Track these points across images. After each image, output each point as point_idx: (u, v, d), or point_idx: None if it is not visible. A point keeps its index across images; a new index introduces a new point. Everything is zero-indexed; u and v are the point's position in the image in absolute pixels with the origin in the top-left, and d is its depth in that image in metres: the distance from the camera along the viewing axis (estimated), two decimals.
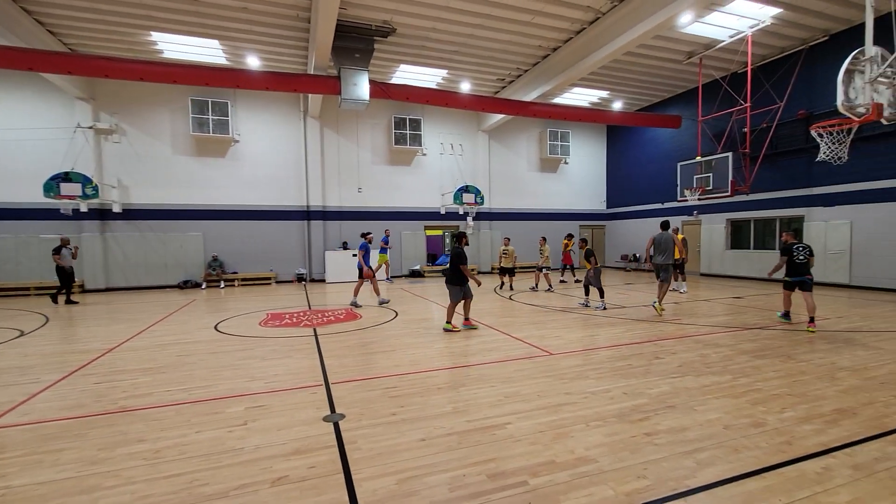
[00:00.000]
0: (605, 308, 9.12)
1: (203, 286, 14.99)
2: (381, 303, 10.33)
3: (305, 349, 6.24)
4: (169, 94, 14.88)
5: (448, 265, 7.39)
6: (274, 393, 4.44)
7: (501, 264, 12.63)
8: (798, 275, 7.32)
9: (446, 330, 7.22)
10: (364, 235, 10.63)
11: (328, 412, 3.91)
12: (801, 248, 7.37)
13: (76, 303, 11.66)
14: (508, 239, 13.16)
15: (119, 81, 14.02)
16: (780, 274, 7.60)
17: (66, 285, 11.43)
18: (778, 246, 13.95)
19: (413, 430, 3.51)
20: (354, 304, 10.09)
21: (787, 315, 7.73)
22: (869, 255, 11.75)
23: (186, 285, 15.06)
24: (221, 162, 15.69)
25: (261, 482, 2.79)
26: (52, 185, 12.55)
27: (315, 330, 7.58)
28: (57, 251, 11.19)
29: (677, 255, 11.47)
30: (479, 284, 7.52)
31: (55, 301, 11.44)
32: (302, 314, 9.30)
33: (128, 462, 3.07)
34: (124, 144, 14.62)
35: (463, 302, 7.35)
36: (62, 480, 2.85)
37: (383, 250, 14.78)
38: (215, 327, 8.00)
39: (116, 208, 14.33)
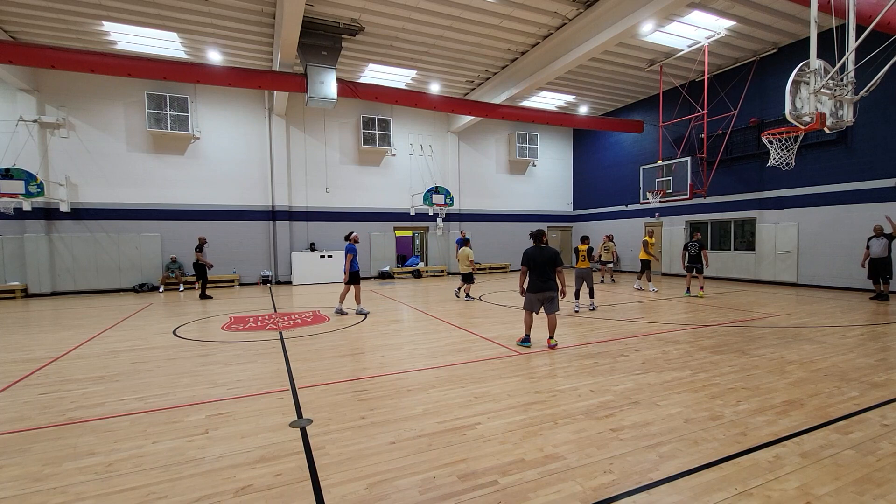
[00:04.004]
0: (593, 308, 9.15)
1: (161, 289, 14.32)
2: (358, 312, 9.33)
3: (271, 353, 6.06)
4: (123, 88, 14.14)
5: (540, 269, 5.98)
6: (237, 399, 4.29)
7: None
8: (692, 262, 11.14)
9: (554, 346, 6.09)
10: (348, 237, 9.53)
11: (295, 417, 3.81)
12: (693, 244, 11.10)
13: (211, 297, 12.44)
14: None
15: (67, 73, 13.23)
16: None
17: (204, 280, 12.40)
18: (732, 247, 15.05)
19: (383, 433, 3.46)
20: (340, 312, 9.21)
21: (688, 290, 11.40)
22: (814, 255, 12.55)
23: (142, 289, 14.35)
24: (181, 160, 15.04)
25: (224, 492, 2.68)
26: None
27: (281, 333, 7.38)
28: (199, 249, 12.18)
29: (645, 257, 12.08)
30: (564, 296, 6.30)
31: (206, 296, 12.31)
32: (267, 317, 9.03)
33: (77, 477, 2.89)
34: (73, 140, 13.77)
35: (548, 317, 6.19)
36: (2, 500, 2.65)
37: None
38: (174, 332, 7.65)
39: (64, 207, 13.48)
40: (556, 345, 6.14)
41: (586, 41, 11.14)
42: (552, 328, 6.16)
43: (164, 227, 14.85)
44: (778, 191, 13.37)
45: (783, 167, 9.94)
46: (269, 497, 2.63)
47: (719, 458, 2.99)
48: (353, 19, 11.37)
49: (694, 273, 11.28)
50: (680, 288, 12.58)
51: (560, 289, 6.09)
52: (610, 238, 15.09)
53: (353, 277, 9.33)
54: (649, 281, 12.34)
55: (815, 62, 7.07)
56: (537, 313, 6.24)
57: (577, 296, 9.16)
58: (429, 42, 12.66)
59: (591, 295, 9.30)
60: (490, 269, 19.51)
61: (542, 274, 5.99)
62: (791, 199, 13.05)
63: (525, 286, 6.13)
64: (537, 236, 6.16)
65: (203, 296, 12.31)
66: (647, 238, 12.36)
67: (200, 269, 12.32)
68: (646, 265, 12.23)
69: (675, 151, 15.34)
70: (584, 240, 9.37)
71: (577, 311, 8.91)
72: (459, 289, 11.49)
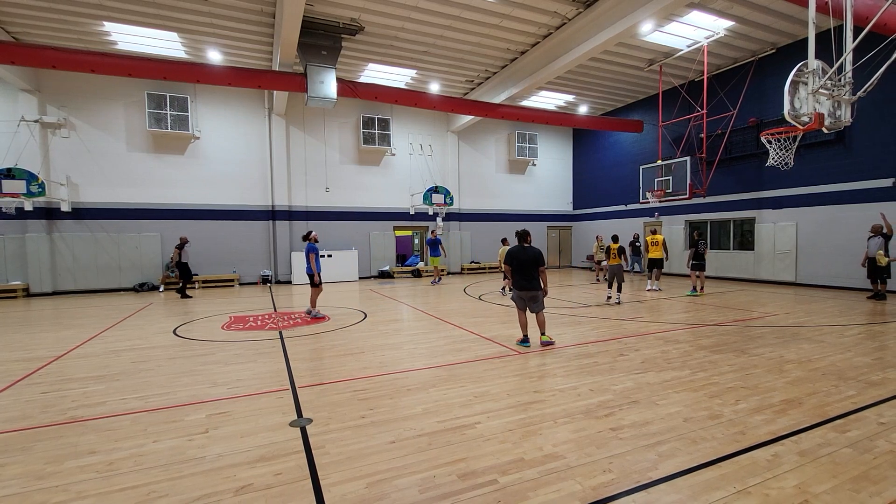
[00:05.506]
0: (618, 302, 9.96)
1: (161, 289, 14.33)
2: (311, 313, 8.89)
3: (271, 352, 6.08)
4: (123, 88, 14.15)
5: (523, 268, 6.04)
6: (237, 398, 4.30)
7: None
8: (699, 260, 11.37)
9: (546, 343, 6.10)
10: (307, 237, 9.03)
11: (295, 417, 3.82)
12: (702, 244, 11.46)
13: (191, 297, 12.52)
14: None
15: (68, 73, 13.24)
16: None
17: (187, 279, 12.60)
18: (732, 246, 15.05)
19: (383, 432, 3.48)
20: (312, 314, 8.83)
21: (694, 289, 11.45)
22: (812, 255, 12.57)
23: (143, 288, 14.36)
24: (181, 159, 15.05)
25: (224, 491, 2.69)
26: None
27: (281, 333, 7.40)
28: (181, 247, 12.39)
29: (659, 255, 11.90)
30: (545, 294, 6.22)
31: (186, 296, 12.47)
32: (267, 317, 9.04)
33: (78, 475, 2.90)
34: (74, 140, 13.78)
35: (535, 316, 6.21)
36: (4, 498, 2.66)
37: (435, 252, 15.19)
38: (174, 331, 7.67)
39: (65, 207, 13.49)
40: (552, 342, 6.15)
41: (586, 41, 11.15)
42: (541, 325, 6.20)
43: (164, 226, 14.86)
44: (777, 190, 13.39)
45: (782, 167, 9.94)
46: (269, 496, 2.64)
47: (718, 457, 3.00)
48: (353, 19, 11.38)
49: (697, 272, 11.56)
50: (678, 287, 12.59)
51: (542, 288, 6.11)
52: (636, 239, 16.09)
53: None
54: (657, 280, 12.24)
55: (813, 62, 7.09)
56: (525, 311, 6.28)
57: (609, 287, 10.25)
58: (429, 42, 12.67)
59: (619, 290, 10.09)
60: (490, 268, 19.53)
61: (525, 273, 6.07)
62: (790, 198, 13.07)
63: (511, 283, 6.31)
64: (522, 236, 6.25)
65: (183, 295, 12.46)
66: (655, 236, 12.01)
67: (184, 267, 12.48)
68: (656, 263, 12.00)
69: (675, 151, 15.35)
70: (615, 239, 10.40)
71: (616, 302, 9.93)
72: (504, 287, 11.99)
